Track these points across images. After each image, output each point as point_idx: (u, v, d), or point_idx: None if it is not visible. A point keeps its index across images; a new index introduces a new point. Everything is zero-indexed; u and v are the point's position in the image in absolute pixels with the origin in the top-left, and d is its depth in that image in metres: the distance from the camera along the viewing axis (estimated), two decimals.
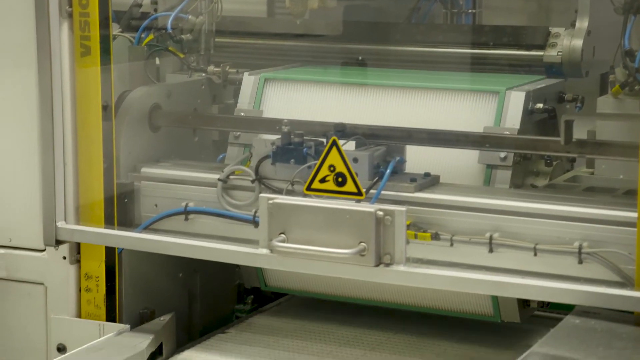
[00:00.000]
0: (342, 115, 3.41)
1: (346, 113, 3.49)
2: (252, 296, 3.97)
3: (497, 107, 3.33)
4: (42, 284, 3.44)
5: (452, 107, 3.42)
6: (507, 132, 3.25)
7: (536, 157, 3.38)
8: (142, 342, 3.22)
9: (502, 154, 3.25)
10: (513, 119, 3.28)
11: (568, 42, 3.59)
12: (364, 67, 3.89)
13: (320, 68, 3.88)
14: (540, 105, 3.35)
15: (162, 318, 3.40)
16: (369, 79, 3.67)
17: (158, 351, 3.33)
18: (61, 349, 3.37)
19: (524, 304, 3.37)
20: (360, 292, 3.55)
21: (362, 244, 2.94)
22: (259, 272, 3.71)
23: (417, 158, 3.33)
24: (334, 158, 3.13)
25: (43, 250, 3.43)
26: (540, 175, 3.40)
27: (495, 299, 3.34)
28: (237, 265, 3.86)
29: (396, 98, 3.51)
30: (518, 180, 3.32)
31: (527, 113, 3.32)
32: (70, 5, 3.31)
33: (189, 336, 3.74)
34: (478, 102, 3.39)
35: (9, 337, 3.48)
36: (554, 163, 3.42)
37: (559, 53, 3.60)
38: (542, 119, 3.42)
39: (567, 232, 2.95)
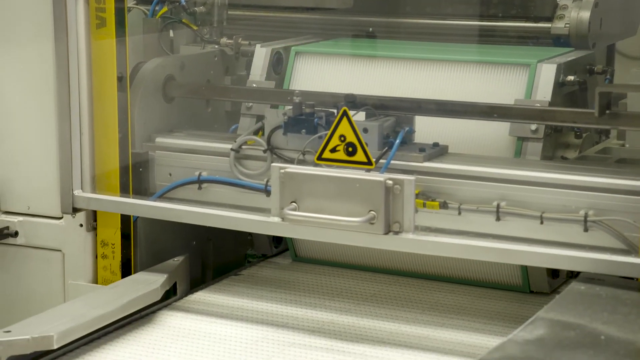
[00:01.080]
0: (364, 89, 3.39)
1: (370, 87, 3.46)
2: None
3: (528, 79, 3.29)
4: (60, 250, 3.47)
5: (482, 79, 3.39)
6: (538, 105, 3.21)
7: (566, 129, 3.33)
8: (157, 280, 3.24)
9: (533, 127, 3.21)
10: (544, 92, 3.25)
11: (575, 14, 3.58)
12: (382, 40, 3.85)
13: (332, 41, 3.87)
14: (571, 78, 3.32)
15: (176, 259, 3.42)
16: (391, 52, 3.62)
17: (172, 291, 3.35)
18: None
19: (552, 274, 3.36)
20: (390, 262, 3.56)
21: (372, 212, 2.95)
22: (289, 242, 3.71)
23: (446, 131, 3.32)
24: (344, 128, 3.13)
25: (60, 218, 3.46)
26: (570, 147, 3.37)
27: (524, 270, 3.34)
28: (249, 234, 3.88)
29: (424, 71, 3.48)
30: (548, 152, 3.28)
31: (558, 85, 3.29)
32: None
33: None
34: (509, 74, 3.36)
35: (28, 302, 3.51)
36: (584, 135, 3.38)
37: (567, 25, 3.58)
38: (571, 92, 3.38)
39: (573, 200, 2.96)
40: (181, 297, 3.38)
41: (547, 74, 3.28)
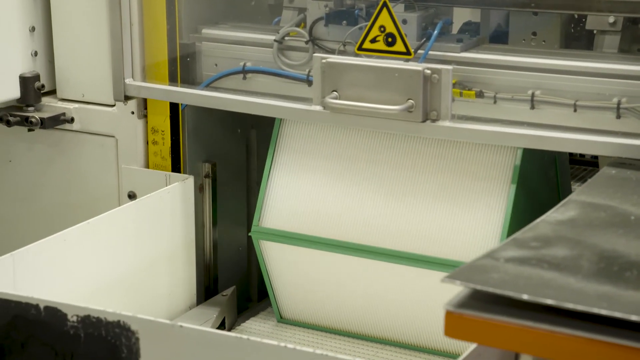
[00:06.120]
0: None
1: None
2: None
3: None
4: (113, 136, 3.48)
5: None
6: None
7: None
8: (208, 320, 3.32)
9: (612, 19, 3.07)
10: None
11: None
12: None
13: None
14: None
15: (224, 293, 3.47)
16: None
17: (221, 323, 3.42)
18: (131, 196, 3.43)
19: None
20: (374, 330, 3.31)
21: (410, 100, 2.92)
22: (273, 303, 3.43)
23: None
24: (384, 19, 3.07)
25: (113, 106, 3.46)
26: None
27: None
28: None
29: None
30: (625, 45, 3.12)
31: None
32: None
33: (248, 188, 3.78)
34: None
35: (85, 184, 3.54)
36: None
37: None
38: None
39: (606, 88, 2.89)
40: (230, 329, 3.40)
41: None
